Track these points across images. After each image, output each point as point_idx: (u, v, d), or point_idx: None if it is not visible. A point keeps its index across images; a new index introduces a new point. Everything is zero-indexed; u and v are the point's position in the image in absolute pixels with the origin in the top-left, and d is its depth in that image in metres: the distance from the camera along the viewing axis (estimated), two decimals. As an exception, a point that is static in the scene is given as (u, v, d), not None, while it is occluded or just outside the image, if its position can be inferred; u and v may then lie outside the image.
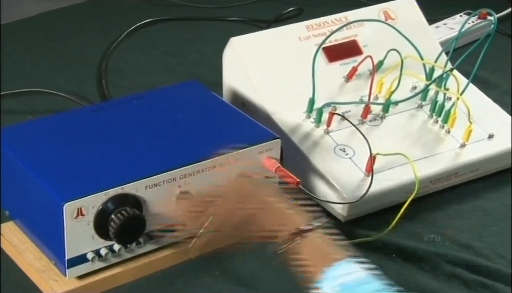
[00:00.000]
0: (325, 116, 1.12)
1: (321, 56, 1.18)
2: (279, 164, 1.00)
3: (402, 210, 1.01)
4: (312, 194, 1.05)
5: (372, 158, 1.06)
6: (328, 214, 1.07)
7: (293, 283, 0.97)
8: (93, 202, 0.90)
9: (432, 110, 1.17)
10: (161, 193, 0.94)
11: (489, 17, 1.41)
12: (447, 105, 1.16)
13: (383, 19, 1.23)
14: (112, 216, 0.91)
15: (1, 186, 0.99)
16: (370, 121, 1.15)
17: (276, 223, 0.82)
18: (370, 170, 1.06)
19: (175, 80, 1.30)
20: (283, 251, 0.81)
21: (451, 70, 1.17)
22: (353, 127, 1.12)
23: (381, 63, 1.19)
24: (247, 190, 0.86)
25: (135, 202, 0.93)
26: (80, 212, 0.90)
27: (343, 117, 1.10)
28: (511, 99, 1.30)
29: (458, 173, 1.13)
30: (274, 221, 0.82)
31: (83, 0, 1.60)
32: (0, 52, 1.37)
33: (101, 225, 0.91)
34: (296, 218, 0.82)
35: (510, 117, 1.20)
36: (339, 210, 1.06)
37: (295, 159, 1.09)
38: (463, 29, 1.22)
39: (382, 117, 1.16)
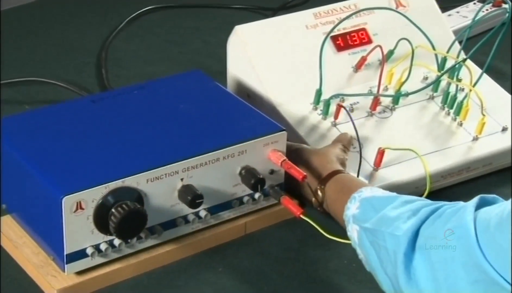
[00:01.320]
0: (333, 108, 1.13)
1: (329, 45, 1.18)
2: (285, 157, 1.01)
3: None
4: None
5: (380, 153, 1.07)
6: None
7: (298, 280, 0.98)
8: (93, 196, 0.91)
9: (444, 102, 1.18)
10: (163, 187, 0.95)
11: (504, 5, 1.41)
12: (460, 96, 1.17)
13: (394, 6, 1.23)
14: (113, 210, 0.92)
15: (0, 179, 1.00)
16: (380, 113, 1.15)
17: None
18: (378, 164, 1.07)
19: (177, 70, 1.30)
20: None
21: (464, 60, 1.17)
22: (361, 120, 1.13)
23: (391, 52, 1.20)
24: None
25: (136, 195, 0.94)
26: (79, 206, 0.91)
27: (348, 112, 1.10)
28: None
29: (470, 167, 1.13)
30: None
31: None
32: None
33: (101, 219, 0.92)
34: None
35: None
36: (347, 205, 1.06)
37: (302, 152, 1.09)
38: (477, 18, 1.22)
39: (392, 109, 1.16)
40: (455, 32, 1.29)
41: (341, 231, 1.00)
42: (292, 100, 1.14)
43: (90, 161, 0.95)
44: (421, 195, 1.04)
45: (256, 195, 1.02)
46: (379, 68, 1.18)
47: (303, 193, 1.04)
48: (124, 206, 0.91)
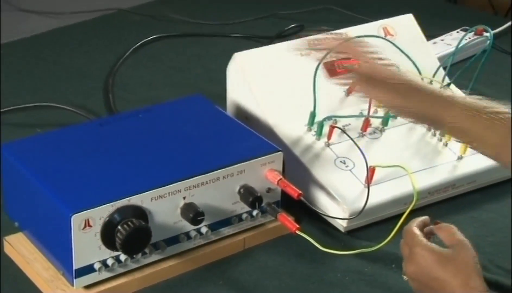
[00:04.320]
0: (326, 129, 1.12)
1: (322, 71, 1.18)
2: (281, 176, 1.00)
3: (401, 221, 1.01)
4: (313, 207, 1.06)
5: (370, 171, 1.06)
6: (329, 224, 1.07)
7: (296, 293, 0.97)
8: (100, 214, 0.91)
9: (430, 123, 1.17)
10: (166, 205, 0.94)
11: (485, 33, 1.41)
12: (445, 118, 1.16)
13: (382, 35, 1.23)
14: (119, 227, 0.91)
15: (1, 195, 0.99)
16: (370, 134, 1.15)
17: None
18: (368, 182, 1.06)
19: (180, 94, 1.30)
20: None
21: (449, 84, 1.18)
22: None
23: (380, 77, 1.19)
24: None
25: (141, 213, 0.93)
26: (87, 223, 0.90)
27: (343, 131, 1.10)
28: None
29: (455, 184, 1.13)
30: None
31: (90, 18, 1.61)
32: (0, 68, 1.38)
33: (108, 236, 0.91)
34: None
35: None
36: (340, 221, 1.06)
37: (297, 171, 1.09)
38: (460, 45, 1.22)
39: (382, 130, 1.16)
40: (440, 59, 1.29)
41: (336, 245, 0.99)
42: (288, 122, 1.14)
43: (97, 181, 0.94)
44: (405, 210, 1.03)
45: (254, 212, 1.02)
46: (369, 92, 1.17)
47: None
48: (129, 223, 0.91)
